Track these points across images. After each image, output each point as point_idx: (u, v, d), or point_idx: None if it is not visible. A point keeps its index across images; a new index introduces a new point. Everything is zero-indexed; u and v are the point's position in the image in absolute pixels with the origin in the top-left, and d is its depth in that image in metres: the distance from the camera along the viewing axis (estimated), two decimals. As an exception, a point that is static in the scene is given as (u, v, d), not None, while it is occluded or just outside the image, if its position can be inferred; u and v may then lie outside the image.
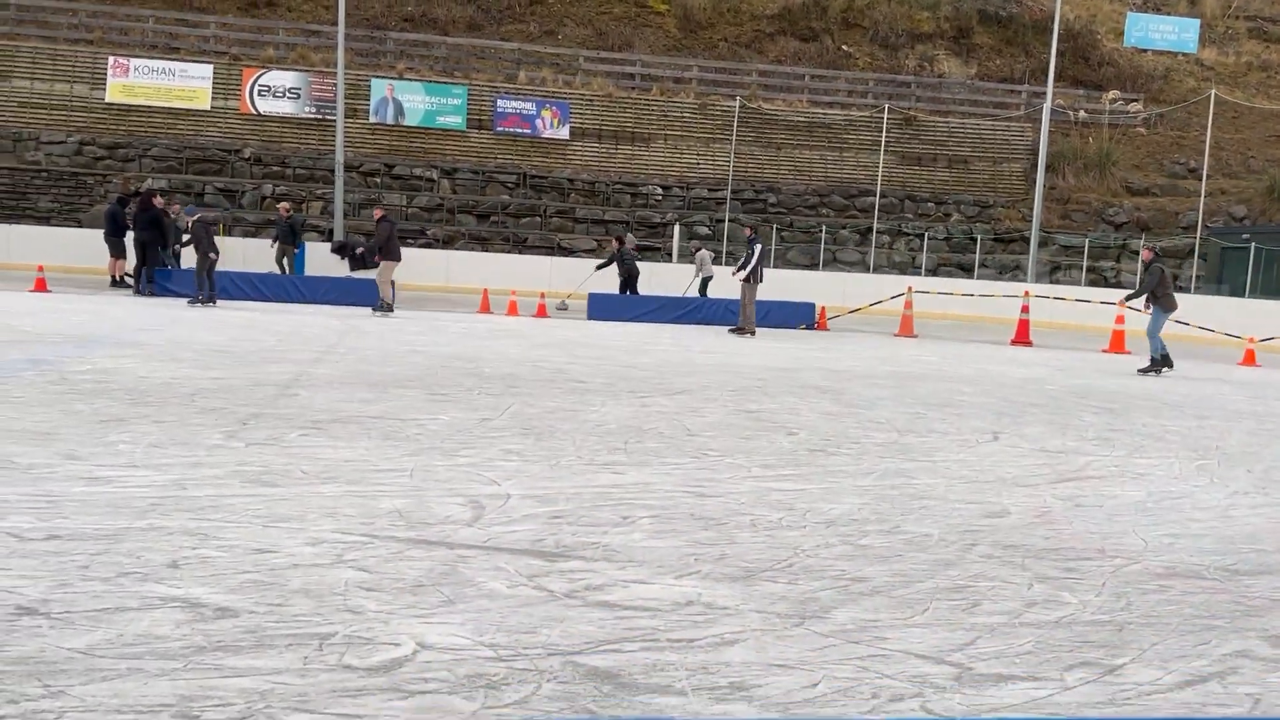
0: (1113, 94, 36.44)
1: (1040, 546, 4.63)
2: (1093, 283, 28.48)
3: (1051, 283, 28.65)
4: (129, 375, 8.40)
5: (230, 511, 4.46)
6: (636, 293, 20.84)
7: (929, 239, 31.52)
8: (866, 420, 8.15)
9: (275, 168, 30.69)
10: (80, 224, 27.55)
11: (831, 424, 7.86)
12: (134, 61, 30.47)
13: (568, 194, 32.01)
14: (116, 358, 9.48)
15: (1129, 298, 15.21)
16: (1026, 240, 29.83)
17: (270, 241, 23.08)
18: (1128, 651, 3.38)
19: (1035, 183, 29.56)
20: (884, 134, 33.13)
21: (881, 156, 33.20)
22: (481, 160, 32.06)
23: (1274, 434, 8.80)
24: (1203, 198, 30.29)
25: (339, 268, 20.66)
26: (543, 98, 32.57)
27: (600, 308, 19.54)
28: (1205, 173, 31.08)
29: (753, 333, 17.28)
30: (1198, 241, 29.59)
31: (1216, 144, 32.39)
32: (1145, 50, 38.25)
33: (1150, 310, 14.23)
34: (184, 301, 17.05)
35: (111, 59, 30.33)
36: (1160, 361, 13.78)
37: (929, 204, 33.34)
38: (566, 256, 29.09)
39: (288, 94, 31.23)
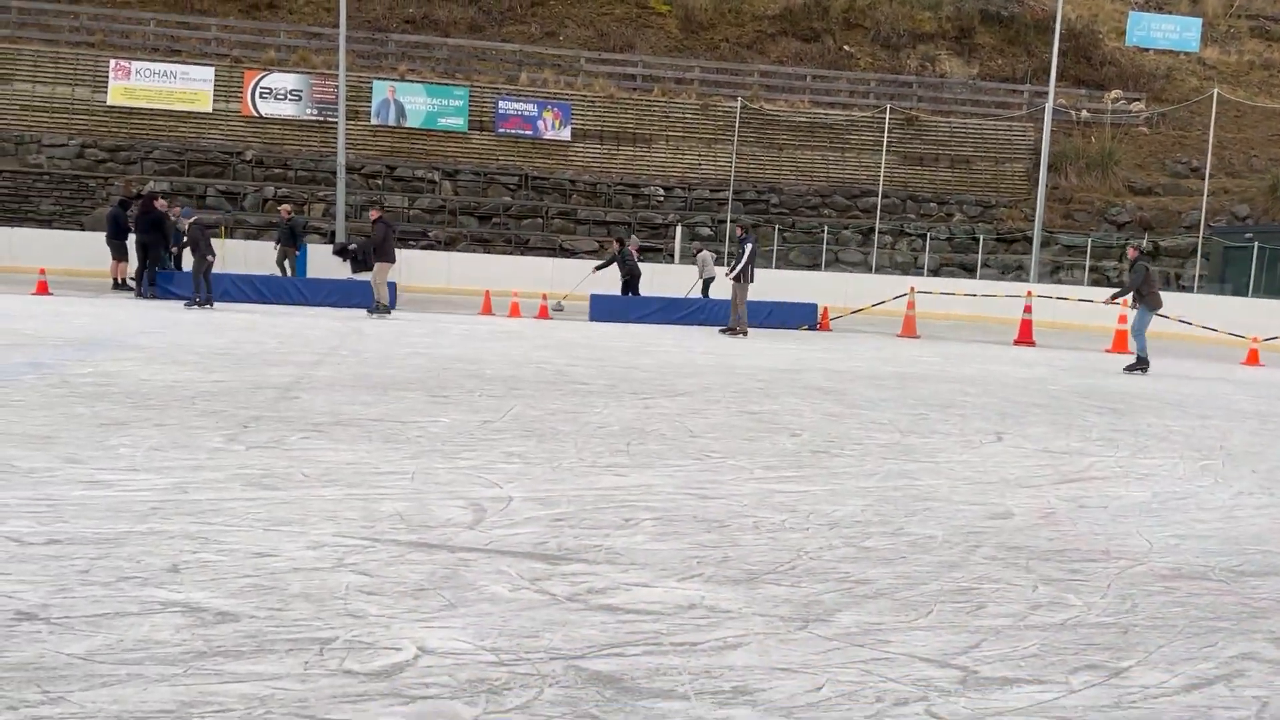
0: (1115, 93, 36.40)
1: (1044, 548, 4.61)
2: (1095, 282, 28.39)
3: (1054, 283, 28.60)
4: (130, 378, 8.40)
5: (231, 515, 4.44)
6: (638, 294, 20.82)
7: (931, 239, 31.47)
8: (869, 421, 8.13)
9: (277, 170, 30.70)
10: (82, 227, 27.54)
11: (834, 425, 7.84)
12: (135, 64, 30.48)
13: (569, 195, 32.00)
14: (118, 361, 9.48)
15: (1114, 296, 15.20)
16: (1029, 240, 29.80)
17: (273, 244, 23.08)
18: (1133, 654, 3.37)
19: (1037, 182, 29.52)
20: (886, 134, 33.10)
21: (883, 157, 33.16)
22: (483, 162, 32.05)
23: (1278, 434, 8.77)
24: (1205, 197, 30.23)
25: (340, 270, 20.66)
26: (544, 99, 32.56)
27: (602, 309, 19.52)
28: (1208, 172, 31.02)
29: (744, 333, 17.19)
30: (1200, 241, 29.53)
31: (1219, 143, 32.32)
32: (1147, 49, 38.23)
33: (1136, 308, 14.26)
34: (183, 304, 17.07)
35: (113, 62, 30.34)
36: (1139, 361, 13.91)
37: (931, 204, 33.31)
38: (568, 258, 29.06)
39: (289, 96, 31.23)
